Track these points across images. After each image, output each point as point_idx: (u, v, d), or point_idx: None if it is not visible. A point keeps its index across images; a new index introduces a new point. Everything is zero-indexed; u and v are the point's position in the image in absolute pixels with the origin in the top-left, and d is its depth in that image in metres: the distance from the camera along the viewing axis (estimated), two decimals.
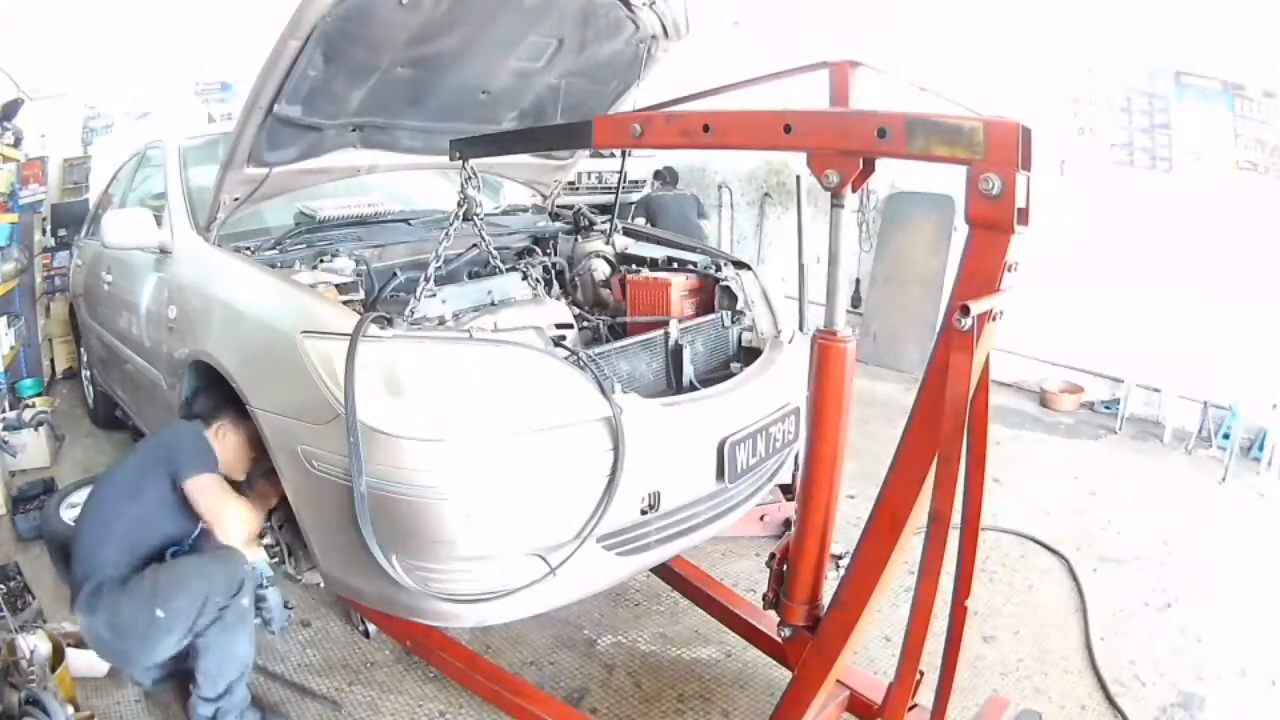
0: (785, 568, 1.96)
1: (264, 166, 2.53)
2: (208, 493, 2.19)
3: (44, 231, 5.55)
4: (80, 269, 4.24)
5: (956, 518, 1.59)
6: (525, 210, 3.59)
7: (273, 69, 2.15)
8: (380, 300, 2.56)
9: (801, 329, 3.01)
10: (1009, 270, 1.43)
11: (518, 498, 1.95)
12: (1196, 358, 4.62)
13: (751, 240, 7.28)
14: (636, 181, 7.23)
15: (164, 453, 2.25)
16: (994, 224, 1.39)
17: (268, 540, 2.44)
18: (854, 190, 1.66)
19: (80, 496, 3.26)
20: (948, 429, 1.50)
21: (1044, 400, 5.26)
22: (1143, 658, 2.67)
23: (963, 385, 1.46)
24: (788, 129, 1.58)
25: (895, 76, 1.69)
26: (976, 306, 1.40)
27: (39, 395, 4.85)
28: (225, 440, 2.34)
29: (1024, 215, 1.36)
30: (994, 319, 1.51)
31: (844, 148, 1.55)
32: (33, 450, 4.08)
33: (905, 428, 1.61)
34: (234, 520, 2.21)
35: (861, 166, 1.55)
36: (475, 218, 2.55)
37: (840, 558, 2.88)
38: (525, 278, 2.76)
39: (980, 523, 1.76)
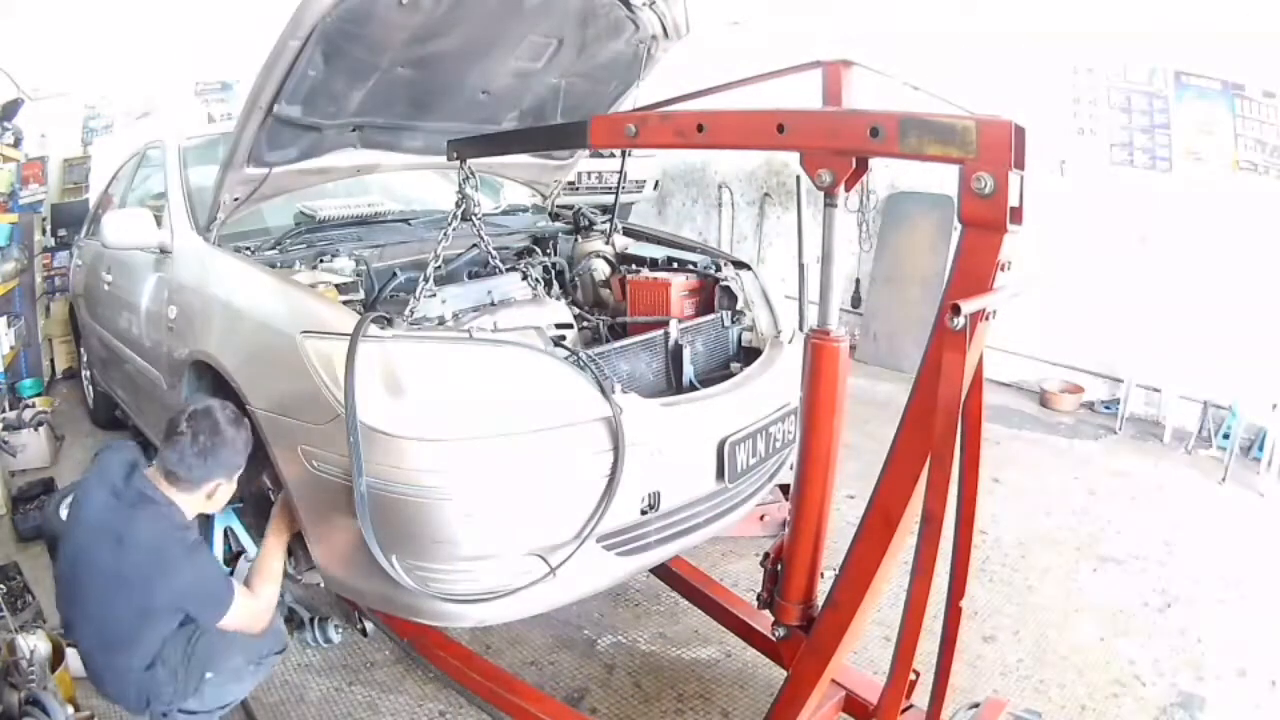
0: (780, 567, 1.97)
1: (264, 166, 2.53)
2: (241, 616, 1.97)
3: (44, 231, 5.55)
4: (80, 269, 4.24)
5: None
6: (525, 210, 3.59)
7: (273, 69, 2.15)
8: (380, 300, 2.56)
9: (801, 329, 3.00)
10: (1002, 269, 1.44)
11: (518, 498, 1.95)
12: (1196, 358, 4.61)
13: (751, 240, 7.27)
14: (638, 181, 7.23)
15: (166, 600, 1.88)
16: (986, 223, 1.39)
17: None
18: (848, 190, 1.66)
19: None
20: (940, 429, 1.50)
21: (1044, 400, 5.25)
22: (1143, 658, 2.67)
23: (955, 385, 1.46)
24: (781, 128, 1.59)
25: (889, 76, 1.69)
26: (969, 306, 1.40)
27: (39, 395, 4.85)
28: (216, 496, 2.03)
29: (1017, 214, 1.37)
30: (987, 318, 1.51)
31: (837, 147, 1.55)
32: (33, 450, 4.08)
33: (898, 428, 1.62)
34: (269, 606, 2.07)
35: (854, 166, 1.56)
36: (474, 218, 2.56)
37: None
38: (525, 278, 2.77)
39: (975, 523, 1.77)
